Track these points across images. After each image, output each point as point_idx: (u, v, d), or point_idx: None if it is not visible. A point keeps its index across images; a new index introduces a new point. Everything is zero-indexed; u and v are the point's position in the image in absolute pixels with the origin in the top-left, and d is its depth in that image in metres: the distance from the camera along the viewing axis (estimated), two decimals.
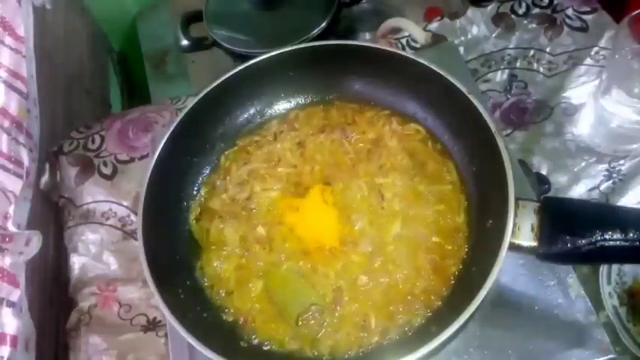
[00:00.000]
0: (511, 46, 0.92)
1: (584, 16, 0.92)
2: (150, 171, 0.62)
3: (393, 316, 0.57)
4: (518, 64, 0.90)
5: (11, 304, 0.62)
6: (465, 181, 0.64)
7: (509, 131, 0.84)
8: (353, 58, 0.70)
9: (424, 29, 0.93)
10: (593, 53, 0.88)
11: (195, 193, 0.69)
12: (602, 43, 0.88)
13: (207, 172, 0.71)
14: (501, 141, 0.56)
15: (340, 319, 0.58)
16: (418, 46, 0.91)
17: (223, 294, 0.61)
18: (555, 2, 0.94)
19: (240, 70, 0.68)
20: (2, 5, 0.75)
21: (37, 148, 0.79)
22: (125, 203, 0.82)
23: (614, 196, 0.77)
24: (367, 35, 1.02)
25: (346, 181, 0.65)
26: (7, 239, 0.64)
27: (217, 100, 0.69)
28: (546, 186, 0.77)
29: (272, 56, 0.69)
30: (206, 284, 0.62)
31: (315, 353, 0.56)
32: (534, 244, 0.51)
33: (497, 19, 0.94)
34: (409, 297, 0.58)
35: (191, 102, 0.67)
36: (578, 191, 0.78)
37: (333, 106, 0.73)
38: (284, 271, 0.61)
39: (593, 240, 0.49)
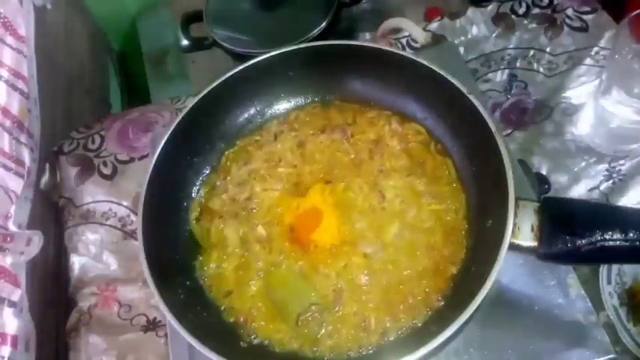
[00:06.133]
0: (511, 46, 0.92)
1: (584, 16, 0.92)
2: (150, 171, 0.62)
3: (393, 316, 0.57)
4: (518, 64, 0.90)
5: (12, 304, 0.62)
6: (465, 181, 0.64)
7: (509, 131, 0.84)
8: (353, 58, 0.70)
9: (424, 29, 0.93)
10: (593, 53, 0.88)
11: (195, 193, 0.69)
12: (602, 43, 0.88)
13: (207, 172, 0.71)
14: (501, 141, 0.56)
15: (340, 319, 0.58)
16: (418, 46, 0.91)
17: (223, 294, 0.61)
18: (555, 2, 0.94)
19: (240, 70, 0.68)
20: (4, 5, 0.75)
21: (38, 147, 0.79)
22: (125, 203, 0.83)
23: (614, 196, 0.77)
24: (367, 35, 1.02)
25: (346, 181, 0.65)
26: (8, 239, 0.64)
27: (217, 100, 0.69)
28: (546, 186, 0.76)
29: (272, 56, 0.69)
30: (206, 284, 0.62)
31: (315, 353, 0.56)
32: (534, 244, 0.51)
33: (497, 19, 0.94)
34: (409, 297, 0.58)
35: (191, 102, 0.67)
36: (578, 191, 0.78)
37: (333, 107, 0.73)
38: (284, 270, 0.61)
39: (593, 240, 0.49)
